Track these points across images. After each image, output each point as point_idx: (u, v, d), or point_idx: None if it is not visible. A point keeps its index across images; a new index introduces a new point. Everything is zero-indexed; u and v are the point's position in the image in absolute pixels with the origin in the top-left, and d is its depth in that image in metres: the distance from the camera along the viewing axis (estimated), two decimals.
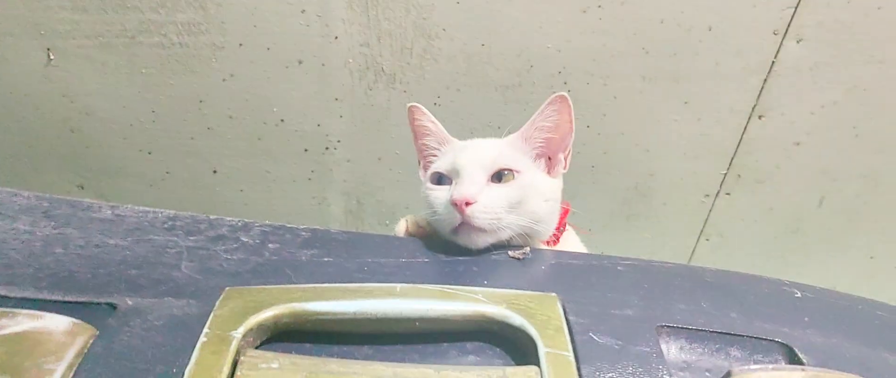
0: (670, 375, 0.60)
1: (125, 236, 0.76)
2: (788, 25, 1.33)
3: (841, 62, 1.38)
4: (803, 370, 0.60)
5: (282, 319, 0.62)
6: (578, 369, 0.59)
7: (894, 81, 1.41)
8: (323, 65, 1.44)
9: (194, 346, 0.58)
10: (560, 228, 0.92)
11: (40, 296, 0.65)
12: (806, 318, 0.72)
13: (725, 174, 1.58)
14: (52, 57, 1.44)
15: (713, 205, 1.64)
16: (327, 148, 1.58)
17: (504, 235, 0.80)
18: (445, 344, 0.64)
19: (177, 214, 0.81)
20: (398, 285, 0.67)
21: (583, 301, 0.69)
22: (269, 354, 0.58)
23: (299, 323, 0.63)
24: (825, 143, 1.51)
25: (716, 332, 0.67)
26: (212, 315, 0.61)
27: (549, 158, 0.89)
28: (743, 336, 0.67)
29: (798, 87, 1.42)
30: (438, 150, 0.91)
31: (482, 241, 0.79)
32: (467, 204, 0.77)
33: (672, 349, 0.66)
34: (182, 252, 0.74)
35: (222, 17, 1.38)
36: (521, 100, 1.47)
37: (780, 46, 1.36)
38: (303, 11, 1.37)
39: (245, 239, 0.77)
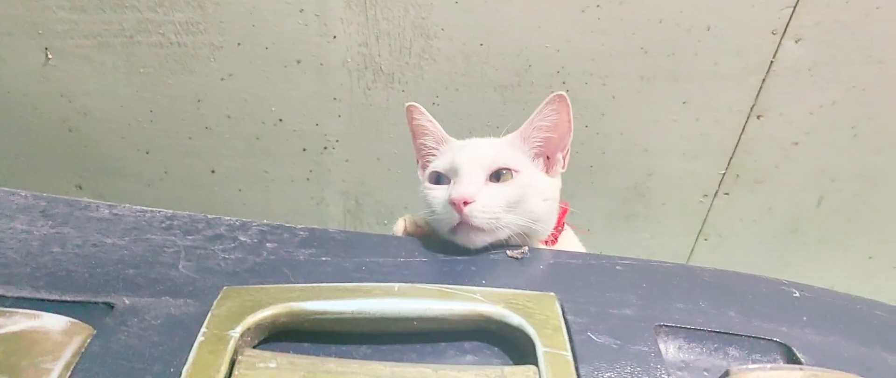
0: (668, 375, 0.60)
1: (123, 236, 0.76)
2: (787, 25, 1.33)
3: (840, 62, 1.38)
4: (801, 369, 0.60)
5: (280, 319, 0.62)
6: (577, 369, 0.59)
7: (893, 81, 1.41)
8: (321, 64, 1.44)
9: (192, 346, 0.58)
10: (558, 228, 0.92)
11: (37, 295, 0.65)
12: (804, 318, 0.72)
13: (724, 174, 1.58)
14: (50, 56, 1.44)
15: (712, 205, 1.64)
16: (326, 148, 1.58)
17: (502, 235, 0.80)
18: (444, 343, 0.64)
19: (174, 214, 0.81)
20: (396, 285, 0.67)
21: (581, 300, 0.69)
22: (267, 354, 0.58)
23: (297, 322, 0.63)
24: (824, 143, 1.51)
25: (714, 331, 0.67)
26: (209, 314, 0.61)
27: (548, 158, 0.89)
28: (741, 335, 0.67)
29: (796, 87, 1.42)
30: (437, 149, 0.91)
31: (480, 240, 0.79)
32: (466, 203, 0.77)
33: (670, 349, 0.66)
34: (180, 251, 0.73)
35: (221, 17, 1.38)
36: (520, 100, 1.47)
37: (778, 46, 1.36)
38: (301, 11, 1.37)
39: (243, 238, 0.77)
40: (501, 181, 0.82)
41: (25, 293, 0.65)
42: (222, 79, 1.47)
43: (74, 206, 0.81)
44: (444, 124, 0.91)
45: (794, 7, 1.31)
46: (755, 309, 0.73)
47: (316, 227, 0.81)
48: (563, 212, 0.93)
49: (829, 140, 1.51)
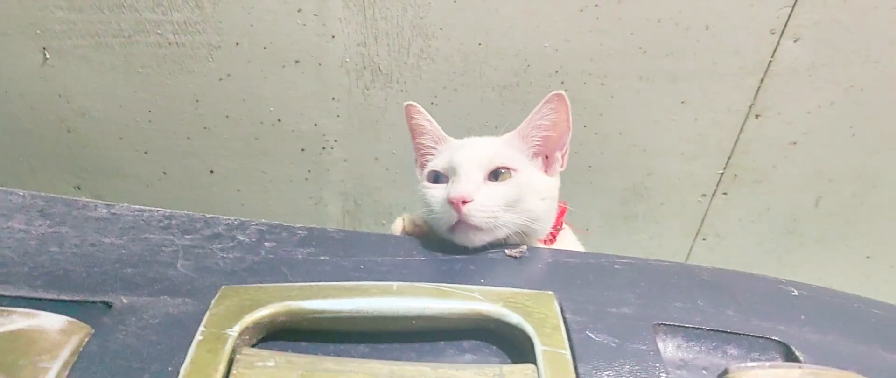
0: (667, 373, 0.60)
1: (121, 235, 0.76)
2: (785, 25, 1.33)
3: (838, 62, 1.38)
4: (800, 367, 0.60)
5: (278, 318, 0.62)
6: (575, 367, 0.59)
7: (891, 81, 1.41)
8: (320, 64, 1.44)
9: (190, 345, 0.58)
10: (557, 227, 0.92)
11: (35, 294, 0.65)
12: (802, 317, 0.72)
13: (722, 174, 1.58)
14: (47, 56, 1.44)
15: (710, 205, 1.64)
16: (324, 148, 1.58)
17: (501, 234, 0.80)
18: (442, 342, 0.64)
19: (173, 213, 0.81)
20: (395, 283, 0.67)
21: (580, 299, 0.69)
22: (265, 353, 0.58)
23: (295, 321, 0.63)
24: (822, 143, 1.51)
25: (712, 330, 0.68)
26: (207, 313, 0.61)
27: (547, 157, 0.89)
28: (740, 334, 0.67)
29: (795, 87, 1.42)
30: (435, 148, 0.91)
31: (479, 239, 0.79)
32: (464, 202, 0.77)
33: (669, 347, 0.66)
34: (178, 251, 0.73)
35: (219, 17, 1.38)
36: (519, 99, 1.46)
37: (777, 46, 1.36)
38: (299, 11, 1.37)
39: (241, 237, 0.77)
40: (500, 180, 0.82)
41: (23, 292, 0.65)
42: (220, 79, 1.47)
43: (72, 205, 0.81)
44: (443, 124, 0.92)
45: (793, 6, 1.31)
46: (753, 308, 0.73)
47: (314, 226, 0.81)
48: (562, 211, 0.93)
49: (827, 140, 1.51)
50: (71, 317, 0.60)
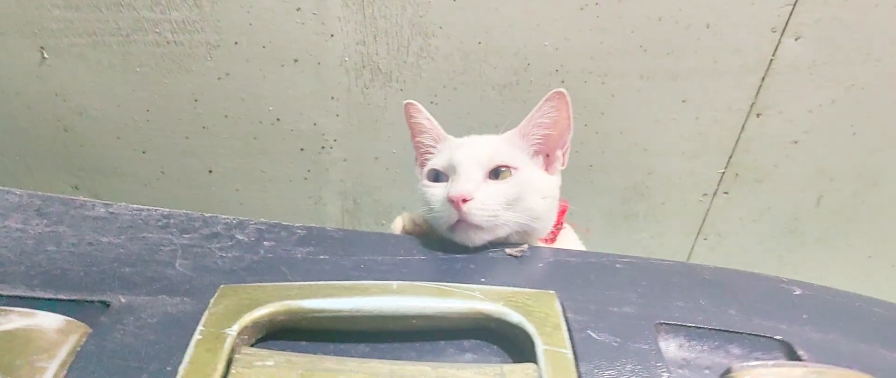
0: (669, 373, 0.59)
1: (119, 234, 0.75)
2: (787, 23, 1.33)
3: (839, 60, 1.38)
4: (804, 366, 0.60)
5: (277, 317, 0.62)
6: (577, 367, 0.58)
7: (892, 80, 1.41)
8: (319, 63, 1.44)
9: (189, 344, 0.57)
10: (558, 226, 0.91)
11: (32, 294, 0.64)
12: (804, 315, 0.72)
13: (723, 173, 1.57)
14: (45, 55, 1.43)
15: (711, 204, 1.64)
16: (323, 147, 1.57)
17: (501, 233, 0.80)
18: (443, 342, 0.64)
19: (171, 212, 0.81)
20: (395, 283, 0.67)
21: (581, 298, 0.68)
22: (265, 352, 0.58)
23: (295, 320, 0.62)
24: (823, 141, 1.51)
25: (715, 329, 0.67)
26: (206, 313, 0.61)
27: (547, 155, 0.89)
28: (742, 333, 0.67)
29: (796, 86, 1.41)
30: (435, 147, 0.91)
31: (479, 238, 0.79)
32: (464, 201, 0.76)
33: (671, 347, 0.65)
34: (176, 250, 0.73)
35: (217, 15, 1.38)
36: (519, 98, 1.46)
37: (778, 44, 1.36)
38: (298, 9, 1.36)
39: (240, 236, 0.77)
40: (500, 179, 0.81)
41: (20, 292, 0.64)
42: (219, 78, 1.46)
43: (70, 204, 0.81)
44: (443, 123, 0.91)
45: (794, 5, 1.31)
46: (755, 307, 0.72)
47: (313, 225, 0.81)
48: (563, 210, 0.92)
49: (828, 139, 1.50)
50: (68, 316, 0.59)
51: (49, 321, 0.58)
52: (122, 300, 0.63)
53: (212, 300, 0.63)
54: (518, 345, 0.63)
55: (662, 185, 1.60)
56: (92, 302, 0.64)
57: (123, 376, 0.55)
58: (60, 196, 0.82)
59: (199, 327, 0.59)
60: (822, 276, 1.77)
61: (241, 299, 0.62)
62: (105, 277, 0.67)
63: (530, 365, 0.58)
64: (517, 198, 0.80)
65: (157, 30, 1.39)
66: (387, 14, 1.37)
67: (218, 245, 0.75)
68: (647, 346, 0.62)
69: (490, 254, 0.79)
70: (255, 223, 0.80)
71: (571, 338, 0.61)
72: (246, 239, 0.76)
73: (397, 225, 0.87)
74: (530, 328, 0.61)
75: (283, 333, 0.63)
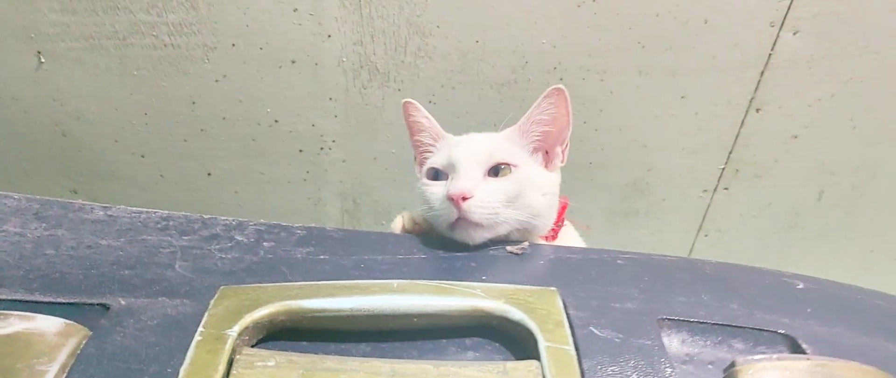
0: (673, 368, 0.59)
1: (118, 237, 0.75)
2: (785, 17, 1.33)
3: (837, 54, 1.38)
4: (808, 359, 0.60)
5: (278, 317, 0.61)
6: (580, 363, 0.58)
7: (891, 73, 1.41)
8: (316, 64, 1.43)
9: (189, 346, 0.57)
10: (558, 223, 0.91)
11: (32, 297, 0.64)
12: (808, 309, 0.72)
13: (723, 169, 1.57)
14: (42, 60, 1.43)
15: (711, 200, 1.64)
16: (322, 148, 1.57)
17: (501, 230, 0.80)
18: (444, 340, 0.64)
19: (170, 214, 0.81)
20: (395, 281, 0.66)
21: (583, 295, 0.68)
22: (265, 352, 0.58)
23: (295, 321, 0.62)
24: (823, 136, 1.50)
25: (717, 324, 0.67)
26: (206, 314, 0.60)
27: (547, 152, 0.88)
28: (745, 327, 0.67)
29: (795, 80, 1.41)
30: (433, 145, 0.90)
31: (479, 236, 0.78)
32: (464, 199, 0.76)
33: (674, 342, 0.65)
34: (176, 252, 0.73)
35: (214, 18, 1.37)
36: (517, 97, 1.46)
37: (776, 38, 1.35)
38: (295, 10, 1.36)
39: (239, 238, 0.76)
40: (500, 176, 0.81)
41: (19, 296, 0.64)
42: (217, 80, 1.46)
43: (68, 208, 0.80)
44: (441, 123, 0.91)
45: None
46: (758, 301, 0.72)
47: (313, 225, 0.81)
48: (563, 207, 0.92)
49: (828, 133, 1.50)
50: (68, 319, 0.59)
51: (49, 324, 0.58)
52: (122, 303, 0.63)
53: (212, 301, 0.62)
54: (520, 342, 0.62)
55: (662, 181, 1.60)
56: (91, 305, 0.63)
57: None
58: (59, 199, 0.82)
59: (200, 329, 0.58)
60: (823, 271, 1.75)
61: (242, 300, 0.62)
62: (104, 280, 0.67)
63: (533, 362, 0.58)
64: (517, 195, 0.80)
65: (153, 33, 1.39)
66: (384, 14, 1.36)
67: (217, 246, 0.74)
68: (650, 342, 0.62)
69: (491, 252, 0.78)
70: (255, 224, 0.80)
71: (574, 334, 0.61)
72: (245, 240, 0.76)
73: (397, 224, 0.87)
74: (532, 325, 0.61)
75: (283, 334, 0.63)
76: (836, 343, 0.67)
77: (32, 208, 0.79)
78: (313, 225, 0.81)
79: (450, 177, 0.82)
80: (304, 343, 0.62)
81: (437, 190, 0.82)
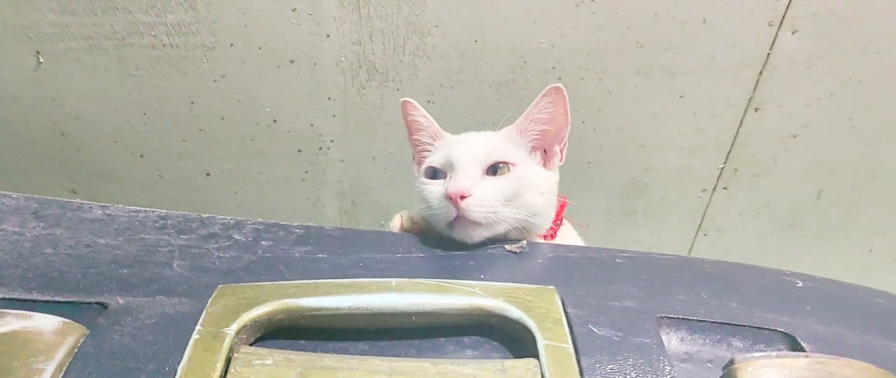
0: (671, 366, 0.59)
1: (116, 236, 0.75)
2: (783, 17, 1.33)
3: (836, 53, 1.38)
4: (807, 356, 0.60)
5: (276, 316, 0.61)
6: (578, 361, 0.58)
7: (889, 72, 1.41)
8: (315, 64, 1.43)
9: (187, 344, 0.57)
10: (557, 222, 0.91)
11: (29, 296, 0.64)
12: (807, 308, 0.72)
13: (722, 168, 1.57)
14: (41, 60, 1.43)
15: (710, 199, 1.63)
16: (321, 148, 1.57)
17: (500, 229, 0.80)
18: (443, 338, 0.63)
19: (168, 214, 0.81)
20: (394, 280, 0.66)
21: (581, 293, 0.68)
22: (263, 351, 0.57)
23: (293, 319, 0.62)
24: (822, 135, 1.50)
25: (716, 322, 0.67)
26: (204, 312, 0.60)
27: (545, 151, 0.88)
28: (744, 326, 0.67)
29: (794, 79, 1.41)
30: (432, 144, 0.90)
31: (478, 235, 0.78)
32: (462, 197, 0.76)
33: (673, 340, 0.65)
34: (174, 251, 0.73)
35: (213, 18, 1.37)
36: (516, 96, 1.46)
37: (775, 38, 1.35)
38: (294, 10, 1.36)
39: (238, 236, 0.76)
40: (498, 175, 0.81)
41: (17, 294, 0.64)
42: (215, 80, 1.46)
43: (67, 207, 0.80)
44: (440, 122, 0.91)
45: None
46: (757, 299, 0.72)
47: (311, 224, 0.80)
48: (562, 206, 0.92)
49: (827, 132, 1.50)
50: (66, 318, 0.59)
51: (46, 323, 0.58)
52: (120, 301, 0.63)
53: (210, 300, 0.62)
54: (519, 340, 0.62)
55: (661, 181, 1.60)
56: (89, 303, 0.63)
57: (122, 377, 0.55)
58: (57, 199, 0.81)
59: (198, 327, 0.58)
60: (822, 271, 1.74)
61: (240, 299, 0.62)
62: (102, 279, 0.67)
63: (531, 360, 0.58)
64: (515, 193, 0.80)
65: (152, 33, 1.39)
66: (382, 13, 1.36)
67: (215, 245, 0.74)
68: (648, 340, 0.62)
69: (489, 250, 0.78)
70: (253, 223, 0.80)
71: (572, 332, 0.61)
72: (244, 239, 0.76)
73: (396, 223, 0.87)
74: (531, 323, 0.61)
75: (281, 332, 0.62)
76: (836, 341, 0.67)
77: (31, 207, 0.79)
78: (312, 224, 0.80)
79: (448, 176, 0.82)
80: (303, 341, 0.62)
81: (435, 189, 0.82)
